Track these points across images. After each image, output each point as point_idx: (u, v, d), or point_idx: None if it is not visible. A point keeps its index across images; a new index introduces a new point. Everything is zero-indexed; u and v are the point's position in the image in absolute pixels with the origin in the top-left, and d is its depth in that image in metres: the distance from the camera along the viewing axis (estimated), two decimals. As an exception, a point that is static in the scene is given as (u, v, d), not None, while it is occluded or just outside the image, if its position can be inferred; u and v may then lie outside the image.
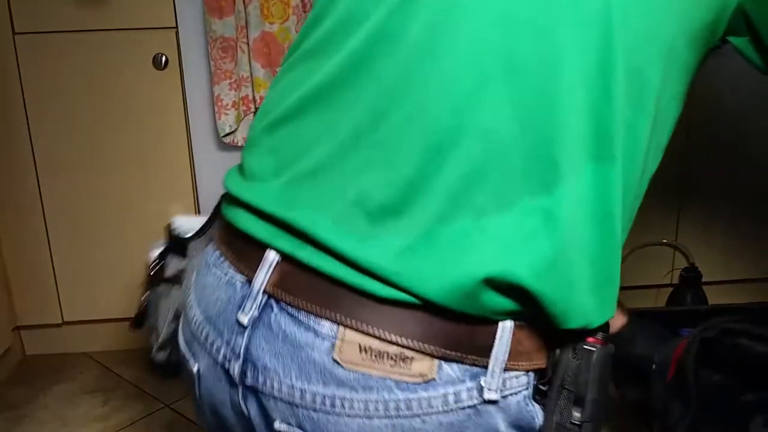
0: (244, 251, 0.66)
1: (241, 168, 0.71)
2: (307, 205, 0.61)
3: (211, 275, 0.69)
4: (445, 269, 0.57)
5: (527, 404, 0.63)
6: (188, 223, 0.87)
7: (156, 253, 0.86)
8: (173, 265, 0.86)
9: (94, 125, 1.79)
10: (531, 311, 0.59)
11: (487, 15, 0.57)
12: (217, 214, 0.77)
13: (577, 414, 0.62)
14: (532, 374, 0.63)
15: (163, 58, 1.74)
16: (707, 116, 1.82)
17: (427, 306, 0.58)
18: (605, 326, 0.63)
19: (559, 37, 0.56)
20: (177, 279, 0.85)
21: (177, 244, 0.85)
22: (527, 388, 0.63)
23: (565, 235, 0.58)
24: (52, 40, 1.71)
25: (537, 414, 0.63)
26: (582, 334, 0.62)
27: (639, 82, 0.58)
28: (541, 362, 0.63)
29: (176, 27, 1.75)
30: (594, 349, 0.62)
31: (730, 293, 1.91)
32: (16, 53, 1.72)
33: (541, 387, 0.64)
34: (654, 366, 0.77)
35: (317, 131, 0.63)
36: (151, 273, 0.85)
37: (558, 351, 0.63)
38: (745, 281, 1.95)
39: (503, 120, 0.57)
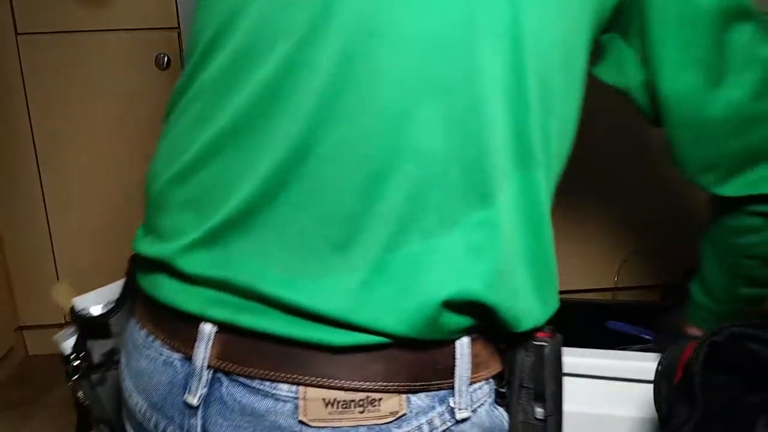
0: (175, 327, 0.61)
1: (151, 229, 0.66)
2: (244, 259, 0.58)
3: (144, 358, 0.64)
4: (404, 299, 0.56)
5: (494, 410, 0.63)
6: (93, 300, 0.77)
7: (69, 344, 0.76)
8: (97, 349, 0.76)
9: (97, 126, 1.79)
10: (485, 323, 0.59)
11: (404, 37, 0.56)
12: (131, 281, 0.70)
13: (539, 409, 0.63)
14: (492, 380, 0.63)
15: (166, 59, 1.74)
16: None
17: (385, 343, 0.57)
18: (550, 319, 0.64)
19: (476, 51, 0.56)
20: (109, 362, 0.76)
21: (91, 327, 0.75)
22: (490, 395, 0.63)
23: (505, 244, 0.58)
24: (54, 41, 1.71)
25: (504, 417, 0.64)
26: (530, 330, 0.62)
27: (546, 87, 0.59)
28: (497, 367, 0.63)
29: (178, 27, 1.75)
30: (545, 343, 0.63)
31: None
32: (19, 54, 1.72)
33: (501, 390, 0.64)
34: (660, 368, 0.77)
35: (235, 173, 0.59)
36: (76, 365, 0.75)
37: (511, 352, 0.63)
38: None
39: (437, 139, 0.56)
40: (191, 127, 0.62)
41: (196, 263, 0.59)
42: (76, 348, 0.74)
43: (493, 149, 0.57)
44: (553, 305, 0.64)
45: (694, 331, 0.88)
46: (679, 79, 0.66)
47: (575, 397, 0.77)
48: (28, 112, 1.76)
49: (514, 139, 0.58)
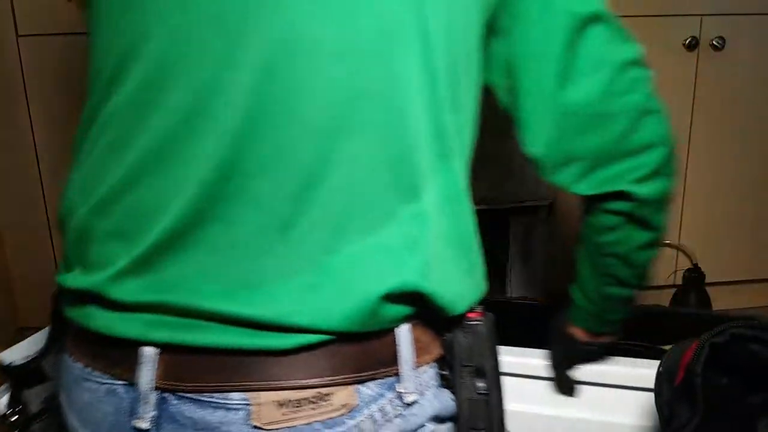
0: (114, 355, 0.61)
1: (75, 262, 0.65)
2: (180, 279, 0.58)
3: (86, 391, 0.63)
4: (345, 297, 0.58)
5: (440, 392, 0.66)
6: (19, 352, 0.77)
7: (3, 402, 0.75)
8: (34, 399, 0.75)
9: (98, 127, 1.79)
10: (424, 310, 0.62)
11: (323, 50, 0.57)
12: (58, 319, 0.69)
13: (481, 384, 0.66)
14: (435, 364, 0.66)
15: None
16: (711, 116, 1.82)
17: (330, 339, 0.58)
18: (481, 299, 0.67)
19: (393, 58, 0.58)
20: (49, 408, 0.74)
21: (23, 378, 0.74)
22: (435, 379, 0.65)
23: (436, 233, 0.61)
24: (55, 43, 1.71)
25: (450, 398, 0.66)
26: (465, 313, 0.66)
27: (454, 83, 0.62)
28: (438, 351, 0.66)
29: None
30: (479, 322, 0.66)
31: (734, 294, 1.91)
32: (20, 55, 1.72)
33: (443, 373, 0.67)
34: (661, 369, 0.78)
35: (161, 197, 0.58)
36: (13, 421, 0.73)
37: (449, 335, 0.66)
38: (749, 282, 1.95)
39: (365, 143, 0.58)
40: (106, 156, 0.61)
41: (128, 290, 0.59)
42: (11, 403, 0.74)
43: (417, 145, 0.60)
44: (482, 287, 0.67)
45: (576, 332, 0.90)
46: (535, 75, 0.68)
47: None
48: (29, 113, 1.76)
49: (434, 133, 0.61)
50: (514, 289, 1.56)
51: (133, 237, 0.59)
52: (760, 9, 1.78)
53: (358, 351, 0.60)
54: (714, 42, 1.75)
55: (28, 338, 0.78)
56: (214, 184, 0.57)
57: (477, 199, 0.68)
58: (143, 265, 0.59)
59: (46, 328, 0.74)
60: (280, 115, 0.57)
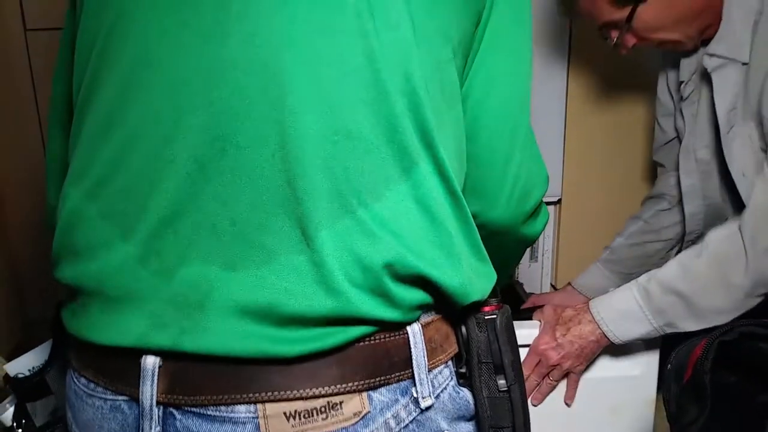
0: (115, 368, 0.59)
1: (65, 252, 0.62)
2: (180, 262, 0.56)
3: (90, 407, 0.62)
4: (349, 266, 0.56)
5: (458, 392, 0.64)
6: (23, 364, 0.76)
7: (10, 414, 0.75)
8: (41, 410, 0.75)
9: (105, 122, 1.79)
10: (435, 299, 0.60)
11: (310, 25, 0.56)
12: (59, 332, 0.67)
13: (501, 381, 0.64)
14: (450, 363, 0.64)
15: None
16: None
17: (337, 346, 0.57)
18: (495, 291, 0.66)
19: (369, 39, 0.57)
20: (55, 420, 0.74)
21: (28, 390, 0.74)
22: (452, 378, 0.64)
23: (434, 211, 0.59)
24: (63, 37, 1.72)
25: (468, 397, 0.65)
26: (478, 306, 0.64)
27: (440, 81, 0.60)
28: (453, 348, 0.65)
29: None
30: (495, 316, 0.64)
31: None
32: (28, 50, 1.72)
33: (461, 371, 0.65)
34: (669, 366, 0.77)
35: (152, 175, 0.57)
36: None
37: (464, 331, 0.65)
38: None
39: (362, 119, 0.57)
40: (97, 134, 0.60)
41: (128, 278, 0.57)
42: (17, 416, 0.73)
43: (404, 126, 0.58)
44: (493, 276, 0.66)
45: None
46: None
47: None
48: (37, 108, 1.76)
49: (414, 119, 0.59)
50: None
51: (129, 218, 0.58)
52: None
53: (368, 356, 0.58)
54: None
55: (34, 350, 0.77)
56: (208, 159, 0.56)
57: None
58: (145, 244, 0.57)
59: (50, 340, 0.73)
60: (272, 89, 0.55)
